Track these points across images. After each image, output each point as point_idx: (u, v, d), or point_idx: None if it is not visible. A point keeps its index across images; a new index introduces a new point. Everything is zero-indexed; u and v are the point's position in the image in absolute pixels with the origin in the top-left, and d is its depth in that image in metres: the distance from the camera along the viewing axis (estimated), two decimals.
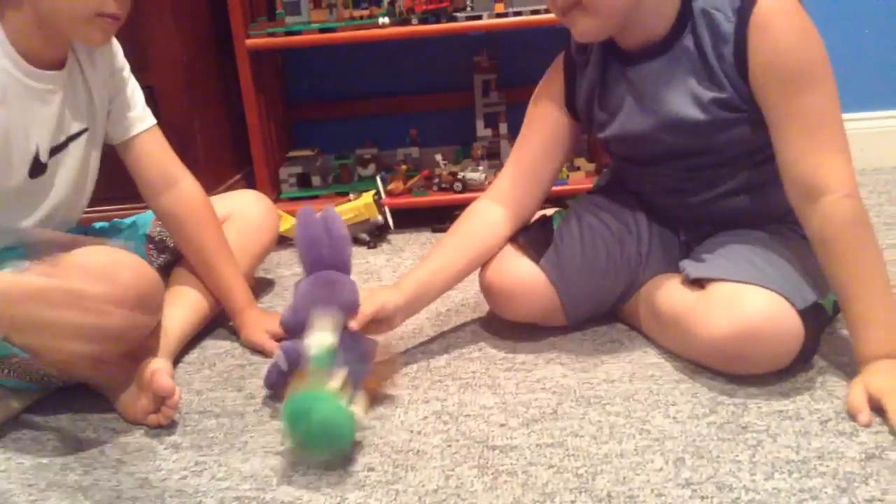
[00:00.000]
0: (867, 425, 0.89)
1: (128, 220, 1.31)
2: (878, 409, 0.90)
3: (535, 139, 1.17)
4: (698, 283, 1.03)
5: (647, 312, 1.13)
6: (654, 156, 1.11)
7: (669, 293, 1.08)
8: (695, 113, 1.02)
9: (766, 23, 0.95)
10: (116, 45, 1.17)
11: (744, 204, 1.09)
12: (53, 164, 1.10)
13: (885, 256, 0.96)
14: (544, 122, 1.16)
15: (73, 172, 1.13)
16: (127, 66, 1.19)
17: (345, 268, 1.03)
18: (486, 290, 1.19)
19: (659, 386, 1.03)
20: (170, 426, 1.03)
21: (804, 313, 0.96)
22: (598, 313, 1.19)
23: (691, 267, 1.06)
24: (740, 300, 0.96)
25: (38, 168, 1.08)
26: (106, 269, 0.94)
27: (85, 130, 1.14)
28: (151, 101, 1.24)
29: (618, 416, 0.97)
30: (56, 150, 1.10)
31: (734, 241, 1.06)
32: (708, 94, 1.01)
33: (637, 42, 1.04)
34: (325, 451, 0.92)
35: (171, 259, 1.28)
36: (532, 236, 1.17)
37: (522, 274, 1.14)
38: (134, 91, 1.20)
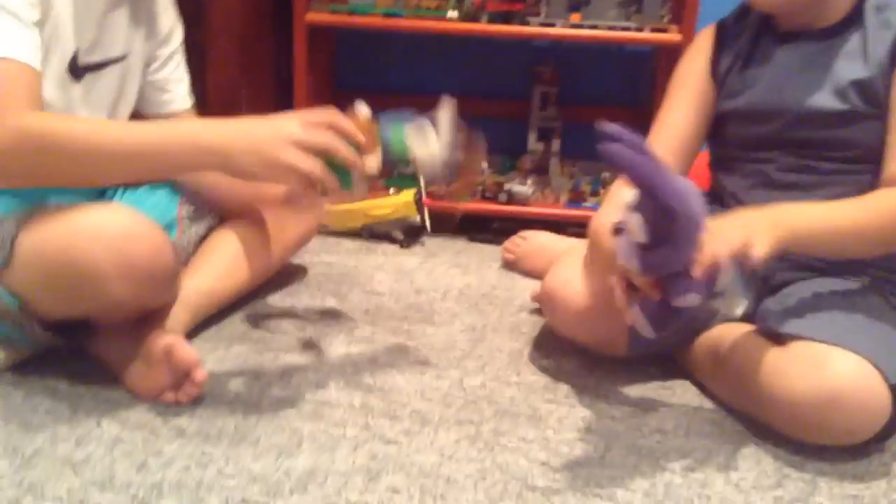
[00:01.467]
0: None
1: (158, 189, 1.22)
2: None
3: (681, 108, 1.11)
4: (776, 336, 0.94)
5: (711, 361, 1.03)
6: (773, 138, 1.05)
7: (743, 344, 0.98)
8: (831, 102, 1.00)
9: None
10: (177, 14, 1.15)
11: None
12: (89, 79, 1.02)
13: None
14: (691, 90, 1.11)
15: (106, 102, 1.06)
16: (181, 38, 1.17)
17: None
18: (550, 297, 1.07)
19: (718, 446, 0.93)
20: (177, 407, 0.93)
21: (893, 388, 0.87)
22: (662, 350, 1.09)
23: (773, 317, 0.96)
24: (828, 362, 0.87)
25: (75, 70, 0.99)
26: (116, 237, 0.88)
27: (123, 58, 1.06)
28: (201, 61, 1.17)
29: (674, 473, 0.87)
30: (91, 67, 1.02)
31: (824, 294, 0.98)
32: (850, 77, 0.99)
33: (803, 23, 1.03)
34: None
35: (205, 232, 1.19)
36: None
37: (596, 283, 1.02)
38: (182, 65, 1.18)
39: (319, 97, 1.76)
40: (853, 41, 1.01)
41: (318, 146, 0.87)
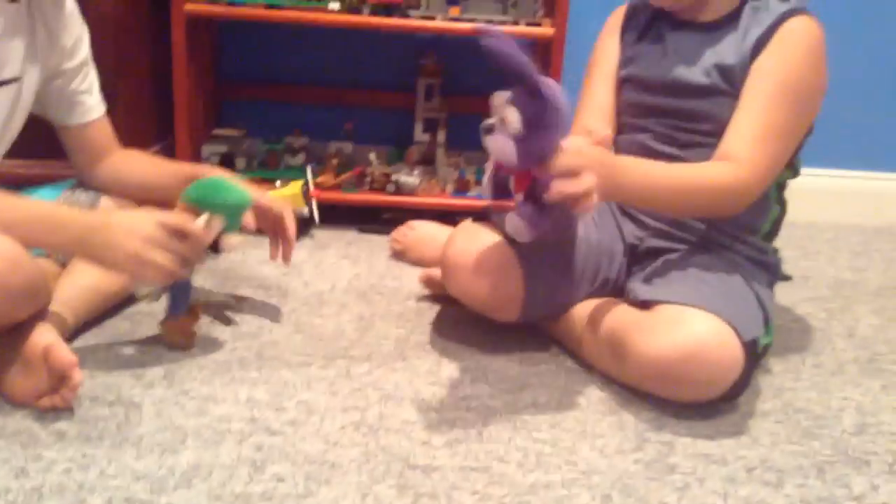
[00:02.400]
0: None
1: (37, 193, 1.19)
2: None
3: (598, 84, 1.23)
4: (643, 305, 1.03)
5: (584, 330, 1.11)
6: (650, 106, 1.16)
7: (612, 311, 1.07)
8: (697, 77, 1.11)
9: (789, 35, 1.07)
10: (81, 22, 1.15)
11: None
12: None
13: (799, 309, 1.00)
14: (604, 67, 1.23)
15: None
16: (88, 45, 1.17)
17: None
18: (453, 260, 1.13)
19: (585, 416, 1.00)
20: (56, 411, 0.92)
21: (746, 345, 0.97)
22: (549, 316, 1.17)
23: (640, 289, 1.05)
24: (687, 321, 0.97)
25: None
26: None
27: (16, 80, 1.04)
28: None
29: (544, 443, 0.94)
30: None
31: (684, 267, 1.07)
32: (717, 60, 1.10)
33: (690, 17, 1.15)
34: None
35: None
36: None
37: (494, 250, 1.10)
38: (91, 73, 1.19)
39: (201, 89, 1.74)
40: (729, 35, 1.11)
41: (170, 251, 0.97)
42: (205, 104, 1.77)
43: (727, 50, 1.11)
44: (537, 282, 1.11)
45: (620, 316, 1.05)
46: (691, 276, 1.05)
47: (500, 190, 0.99)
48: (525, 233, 0.94)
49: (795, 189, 1.21)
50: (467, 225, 1.18)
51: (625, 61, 1.22)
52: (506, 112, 0.88)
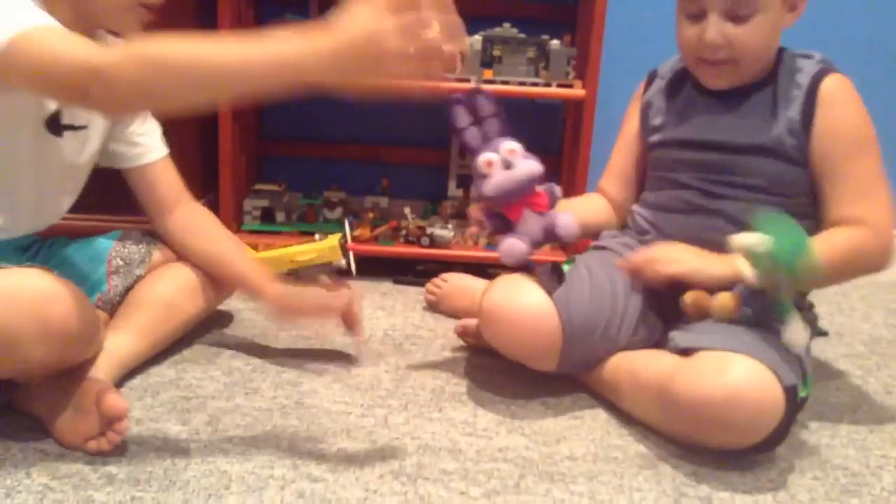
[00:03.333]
0: None
1: (87, 244, 1.26)
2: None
3: (621, 151, 1.35)
4: (684, 353, 1.05)
5: (624, 378, 1.13)
6: (686, 162, 1.21)
7: (654, 358, 1.10)
8: (739, 137, 1.16)
9: (833, 96, 1.13)
10: None
11: None
12: (68, 136, 1.07)
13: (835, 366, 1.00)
14: (627, 134, 1.34)
15: (66, 163, 1.10)
16: None
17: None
18: (491, 309, 1.16)
19: (623, 469, 1.01)
20: (105, 454, 0.95)
21: (787, 391, 0.98)
22: (586, 366, 1.18)
23: (681, 338, 1.07)
24: (730, 364, 0.98)
25: (55, 126, 1.04)
26: (33, 301, 0.90)
27: (84, 128, 1.11)
28: None
29: (581, 496, 0.94)
30: (70, 128, 1.07)
31: (723, 324, 1.09)
32: (757, 120, 1.15)
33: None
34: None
35: (131, 285, 1.23)
36: (545, 270, 1.19)
37: (533, 303, 1.13)
38: (150, 119, 1.25)
39: (244, 145, 1.81)
40: (765, 97, 1.16)
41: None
42: (247, 160, 1.84)
43: (765, 112, 1.15)
44: (575, 330, 1.13)
45: (663, 362, 1.07)
46: (730, 327, 1.07)
47: (497, 223, 1.15)
48: (522, 251, 1.11)
49: None
50: (506, 276, 1.21)
51: (652, 128, 1.27)
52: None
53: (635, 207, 1.31)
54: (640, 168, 1.32)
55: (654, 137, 1.27)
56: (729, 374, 0.98)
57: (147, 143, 1.24)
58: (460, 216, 1.82)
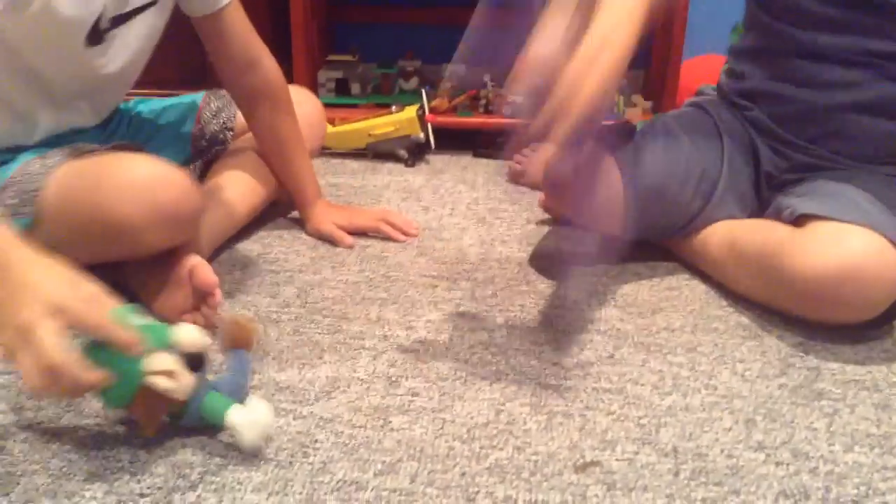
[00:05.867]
0: None
1: (172, 108, 1.23)
2: None
3: None
4: (796, 223, 0.97)
5: (723, 250, 1.06)
6: (830, 19, 0.99)
7: (760, 230, 1.02)
8: None
9: None
10: None
11: (884, 128, 1.01)
12: (111, 36, 1.00)
13: None
14: None
15: (131, 50, 1.04)
16: None
17: None
18: (549, 183, 1.12)
19: (724, 340, 0.96)
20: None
21: None
22: (657, 236, 1.12)
23: (798, 203, 0.98)
24: (846, 238, 0.91)
25: (95, 36, 0.98)
26: (146, 188, 0.90)
27: (153, 3, 1.04)
28: None
29: (681, 367, 0.91)
30: (119, 20, 1.00)
31: (839, 182, 1.00)
32: None
33: None
34: None
35: (213, 158, 1.22)
36: (612, 129, 1.10)
37: (592, 163, 1.05)
38: None
39: (314, 14, 1.73)
40: None
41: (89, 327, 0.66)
42: (319, 29, 1.77)
43: None
44: (641, 195, 1.04)
45: (770, 234, 1.00)
46: (848, 191, 0.98)
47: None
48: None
49: None
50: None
51: None
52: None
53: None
54: None
55: None
56: (845, 248, 0.90)
57: None
58: None
